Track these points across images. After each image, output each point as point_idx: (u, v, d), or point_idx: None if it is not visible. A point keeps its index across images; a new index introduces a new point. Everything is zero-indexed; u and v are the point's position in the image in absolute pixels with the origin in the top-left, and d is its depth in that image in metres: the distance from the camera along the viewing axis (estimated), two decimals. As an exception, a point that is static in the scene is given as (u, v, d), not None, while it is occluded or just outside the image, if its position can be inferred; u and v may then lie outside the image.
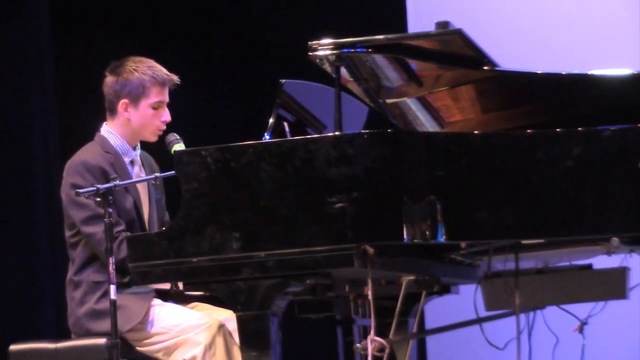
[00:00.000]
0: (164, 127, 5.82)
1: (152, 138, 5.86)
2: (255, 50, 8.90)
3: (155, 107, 5.81)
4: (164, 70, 5.84)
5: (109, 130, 5.85)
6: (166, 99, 5.85)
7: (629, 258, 5.59)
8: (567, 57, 8.33)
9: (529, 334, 5.52)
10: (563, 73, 5.46)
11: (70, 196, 5.68)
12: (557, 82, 5.47)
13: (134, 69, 5.82)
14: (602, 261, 5.64)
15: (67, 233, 5.78)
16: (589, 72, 5.46)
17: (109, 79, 5.84)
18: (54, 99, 8.29)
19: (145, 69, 5.83)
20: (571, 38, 8.71)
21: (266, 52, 8.70)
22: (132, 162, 5.87)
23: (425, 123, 5.71)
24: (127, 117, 5.81)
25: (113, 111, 5.85)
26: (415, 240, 4.99)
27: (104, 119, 5.92)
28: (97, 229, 5.57)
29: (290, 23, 8.93)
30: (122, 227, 5.55)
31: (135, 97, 5.80)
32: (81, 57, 8.29)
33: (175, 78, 5.86)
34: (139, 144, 5.92)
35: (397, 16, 8.87)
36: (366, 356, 5.17)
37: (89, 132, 5.96)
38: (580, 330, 5.68)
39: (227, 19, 9.22)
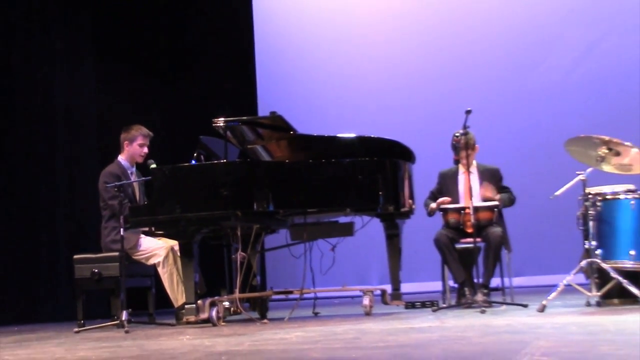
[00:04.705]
0: (144, 155, 5.85)
1: (140, 160, 5.92)
2: (192, 109, 8.61)
3: (141, 145, 5.90)
4: (147, 130, 5.94)
5: (121, 158, 5.95)
6: (147, 143, 5.91)
7: (355, 218, 5.69)
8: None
9: (311, 251, 5.56)
10: (325, 135, 5.56)
11: (102, 186, 5.77)
12: (322, 138, 5.56)
13: (133, 128, 5.91)
14: (342, 219, 5.75)
15: (101, 203, 5.86)
16: (337, 135, 5.56)
17: (123, 133, 5.95)
18: (95, 145, 8.19)
19: (139, 129, 5.91)
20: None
21: (197, 111, 8.30)
22: (131, 173, 5.95)
23: (265, 157, 5.75)
24: (127, 149, 5.91)
25: (123, 147, 5.93)
26: (259, 209, 5.11)
27: (119, 153, 5.92)
28: (114, 202, 5.58)
29: (194, 102, 8.42)
30: (126, 201, 5.59)
31: (131, 140, 5.89)
32: (113, 115, 8.07)
33: (151, 134, 5.95)
34: (135, 165, 5.98)
35: (249, 104, 8.79)
36: (237, 262, 5.19)
37: (111, 159, 5.98)
38: (333, 250, 5.77)
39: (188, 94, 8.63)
